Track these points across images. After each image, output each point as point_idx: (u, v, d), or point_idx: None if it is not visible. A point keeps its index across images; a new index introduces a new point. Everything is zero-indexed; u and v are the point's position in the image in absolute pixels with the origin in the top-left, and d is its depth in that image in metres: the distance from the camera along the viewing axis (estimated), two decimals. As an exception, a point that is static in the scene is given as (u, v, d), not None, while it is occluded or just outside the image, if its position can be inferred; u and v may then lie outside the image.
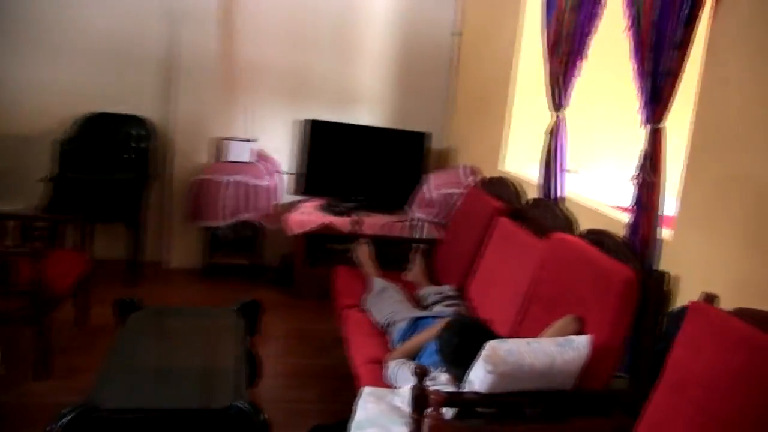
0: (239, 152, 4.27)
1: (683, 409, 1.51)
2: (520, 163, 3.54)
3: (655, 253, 1.97)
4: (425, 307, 2.89)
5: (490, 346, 1.79)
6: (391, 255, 3.63)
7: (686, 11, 1.80)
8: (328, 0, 4.43)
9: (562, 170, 2.70)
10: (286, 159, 4.57)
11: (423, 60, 4.65)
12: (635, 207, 2.02)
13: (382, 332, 2.71)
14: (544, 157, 2.76)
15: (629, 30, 2.11)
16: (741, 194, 1.73)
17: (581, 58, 2.55)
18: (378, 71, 4.62)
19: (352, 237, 3.69)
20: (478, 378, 1.80)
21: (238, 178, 4.13)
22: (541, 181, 2.80)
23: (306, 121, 4.44)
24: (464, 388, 1.87)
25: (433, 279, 3.33)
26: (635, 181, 2.02)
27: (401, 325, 2.59)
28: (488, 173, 3.60)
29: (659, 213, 1.96)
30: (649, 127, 1.96)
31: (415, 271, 3.42)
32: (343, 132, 4.53)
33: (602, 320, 1.95)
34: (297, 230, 4.02)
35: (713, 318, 1.55)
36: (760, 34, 1.70)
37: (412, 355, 2.33)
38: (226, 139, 4.30)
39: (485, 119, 3.90)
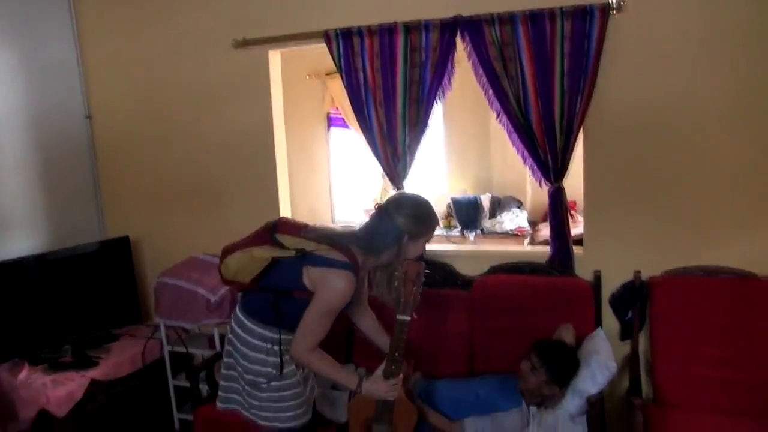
0: None
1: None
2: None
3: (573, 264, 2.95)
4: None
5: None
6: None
7: (578, 110, 2.75)
8: None
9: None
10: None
11: (60, 153, 3.75)
12: (554, 238, 2.91)
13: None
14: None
15: (501, 119, 2.90)
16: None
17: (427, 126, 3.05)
18: (18, 184, 3.49)
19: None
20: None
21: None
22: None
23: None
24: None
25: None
26: (552, 222, 2.90)
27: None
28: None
29: (570, 239, 2.93)
30: (553, 185, 2.86)
31: None
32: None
33: (582, 319, 2.79)
34: (66, 409, 2.85)
35: (677, 281, 2.73)
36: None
37: None
38: None
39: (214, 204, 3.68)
